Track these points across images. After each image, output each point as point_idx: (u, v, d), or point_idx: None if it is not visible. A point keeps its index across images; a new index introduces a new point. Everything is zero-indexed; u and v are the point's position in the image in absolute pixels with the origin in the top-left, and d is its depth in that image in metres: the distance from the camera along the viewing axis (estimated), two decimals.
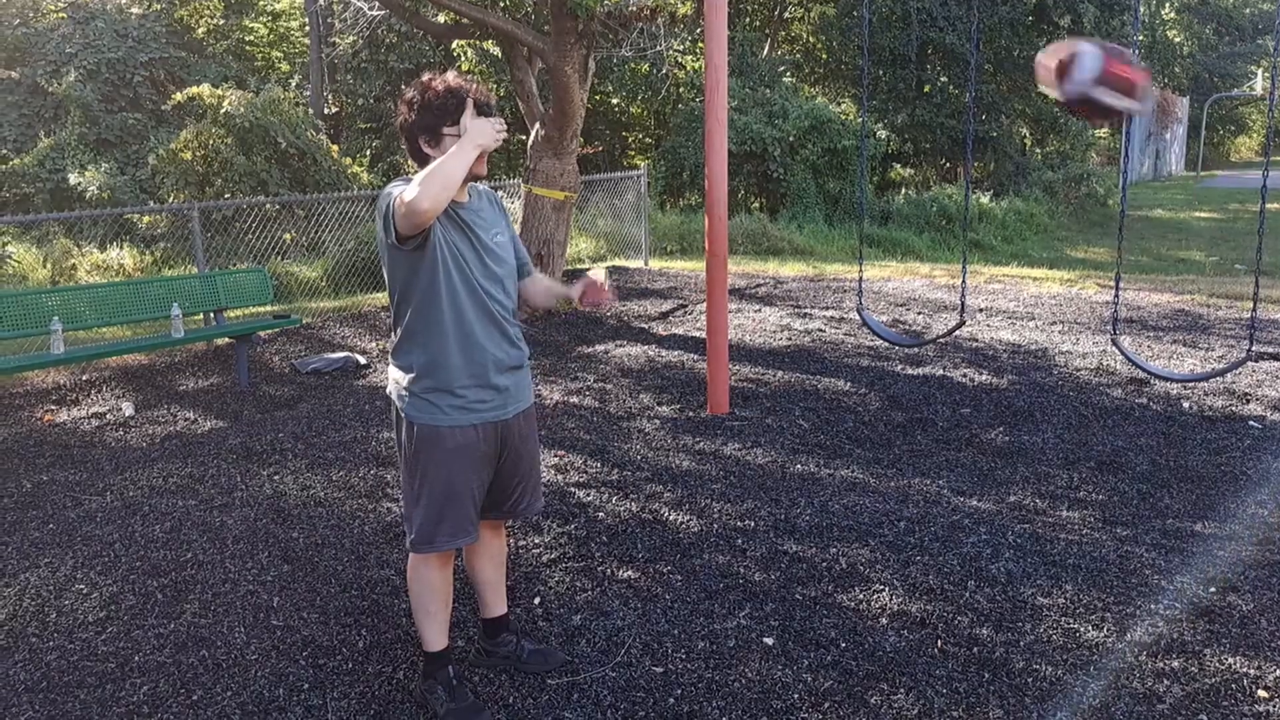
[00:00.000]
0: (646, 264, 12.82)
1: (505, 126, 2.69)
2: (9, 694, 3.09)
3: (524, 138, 11.97)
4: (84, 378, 7.14)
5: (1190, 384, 6.24)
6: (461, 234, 2.73)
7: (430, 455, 2.76)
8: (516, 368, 2.87)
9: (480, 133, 2.62)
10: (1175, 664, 3.12)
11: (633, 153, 23.65)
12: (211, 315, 7.21)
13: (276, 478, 5.01)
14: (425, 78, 2.78)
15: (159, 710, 2.99)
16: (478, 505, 2.87)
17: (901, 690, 2.99)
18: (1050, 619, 3.41)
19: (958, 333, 6.69)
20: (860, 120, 19.24)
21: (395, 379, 2.83)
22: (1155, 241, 17.62)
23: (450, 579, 2.95)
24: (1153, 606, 3.48)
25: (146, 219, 12.84)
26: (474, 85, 2.76)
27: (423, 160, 2.75)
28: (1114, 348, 6.50)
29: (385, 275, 2.79)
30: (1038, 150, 23.45)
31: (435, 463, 2.77)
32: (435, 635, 2.95)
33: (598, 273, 2.95)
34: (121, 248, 12.41)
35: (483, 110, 2.74)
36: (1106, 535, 4.10)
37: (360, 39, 17.10)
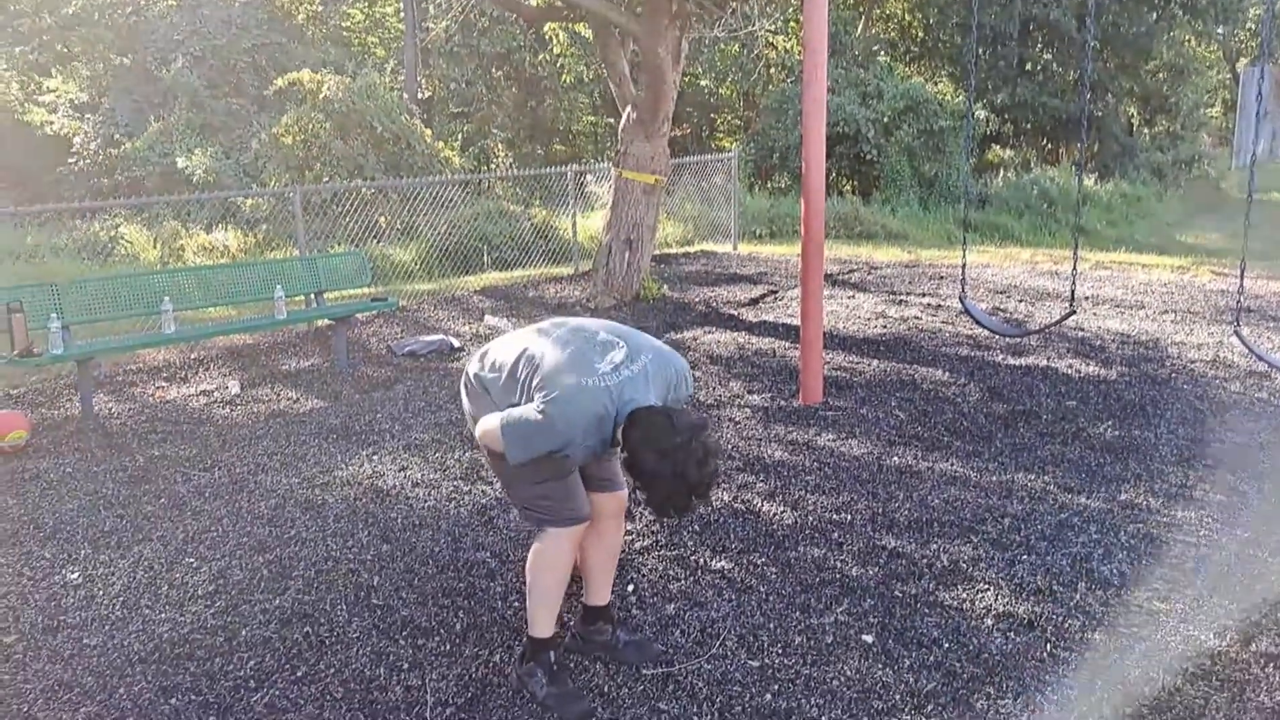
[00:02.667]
0: (735, 248, 12.69)
1: None
2: (124, 663, 3.21)
3: (614, 121, 11.94)
4: (192, 356, 7.40)
5: None
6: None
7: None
8: None
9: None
10: None
11: (721, 135, 23.46)
12: (312, 297, 7.38)
13: (375, 458, 5.10)
14: (706, 461, 2.57)
15: (265, 684, 3.07)
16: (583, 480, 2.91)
17: (1009, 695, 2.89)
18: (1168, 625, 3.25)
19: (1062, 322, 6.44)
20: (960, 99, 18.72)
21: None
22: (1273, 227, 16.73)
23: (571, 566, 2.95)
24: (1279, 616, 3.30)
25: (250, 202, 13.24)
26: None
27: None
28: (1232, 338, 6.19)
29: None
30: (1145, 130, 22.50)
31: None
32: (546, 621, 2.93)
33: None
34: (226, 230, 12.82)
35: (702, 466, 2.56)
36: (1226, 538, 3.90)
37: (454, 23, 17.29)
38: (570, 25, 14.43)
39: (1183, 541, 3.86)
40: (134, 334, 7.02)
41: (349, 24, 24.61)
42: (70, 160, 18.12)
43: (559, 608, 2.96)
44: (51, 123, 19.14)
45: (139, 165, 16.90)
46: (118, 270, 10.17)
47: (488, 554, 3.93)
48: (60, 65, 20.33)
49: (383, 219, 12.43)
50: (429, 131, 16.74)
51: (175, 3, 20.09)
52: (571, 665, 3.12)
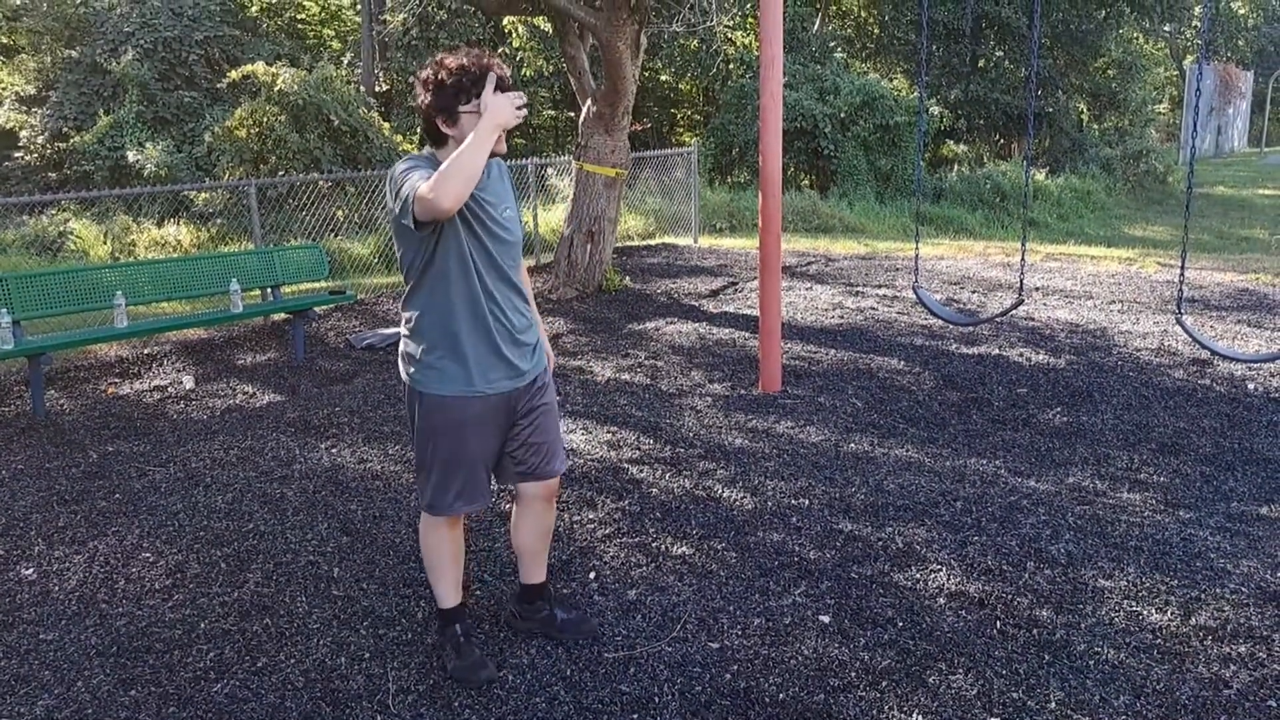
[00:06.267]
0: (696, 241, 12.77)
1: (526, 102, 2.66)
2: (81, 658, 3.18)
3: (574, 115, 11.92)
4: (145, 351, 7.30)
5: (1256, 365, 6.08)
6: (474, 212, 2.73)
7: (438, 425, 2.83)
8: (525, 340, 2.90)
9: (499, 111, 2.59)
10: (1242, 649, 3.06)
11: (681, 129, 23.53)
12: (269, 291, 7.32)
13: (334, 450, 5.08)
14: (439, 57, 2.73)
15: (225, 675, 3.06)
16: (488, 471, 2.96)
17: (960, 670, 2.97)
18: (1112, 601, 3.35)
19: (1014, 312, 6.58)
20: (916, 95, 18.95)
21: (406, 350, 2.88)
22: (1217, 219, 17.16)
23: (459, 538, 3.06)
24: (1218, 591, 3.41)
25: (203, 196, 13.05)
26: (490, 59, 2.71)
27: (441, 141, 2.75)
28: (1176, 327, 6.36)
29: (397, 250, 2.82)
30: (1095, 126, 22.91)
31: (444, 432, 2.83)
32: (445, 592, 3.07)
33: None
34: (179, 224, 12.64)
35: (502, 85, 2.69)
36: (1169, 518, 4.02)
37: (411, 16, 17.16)
38: (529, 19, 14.39)
39: (1127, 522, 3.97)
40: (86, 329, 6.92)
41: (304, 16, 24.33)
42: (16, 154, 17.74)
43: (455, 577, 3.07)
44: None
45: (88, 159, 16.59)
46: (68, 265, 9.98)
47: None
48: (5, 57, 19.88)
49: (340, 212, 12.33)
50: (387, 125, 16.61)
51: None
52: (534, 651, 3.14)
